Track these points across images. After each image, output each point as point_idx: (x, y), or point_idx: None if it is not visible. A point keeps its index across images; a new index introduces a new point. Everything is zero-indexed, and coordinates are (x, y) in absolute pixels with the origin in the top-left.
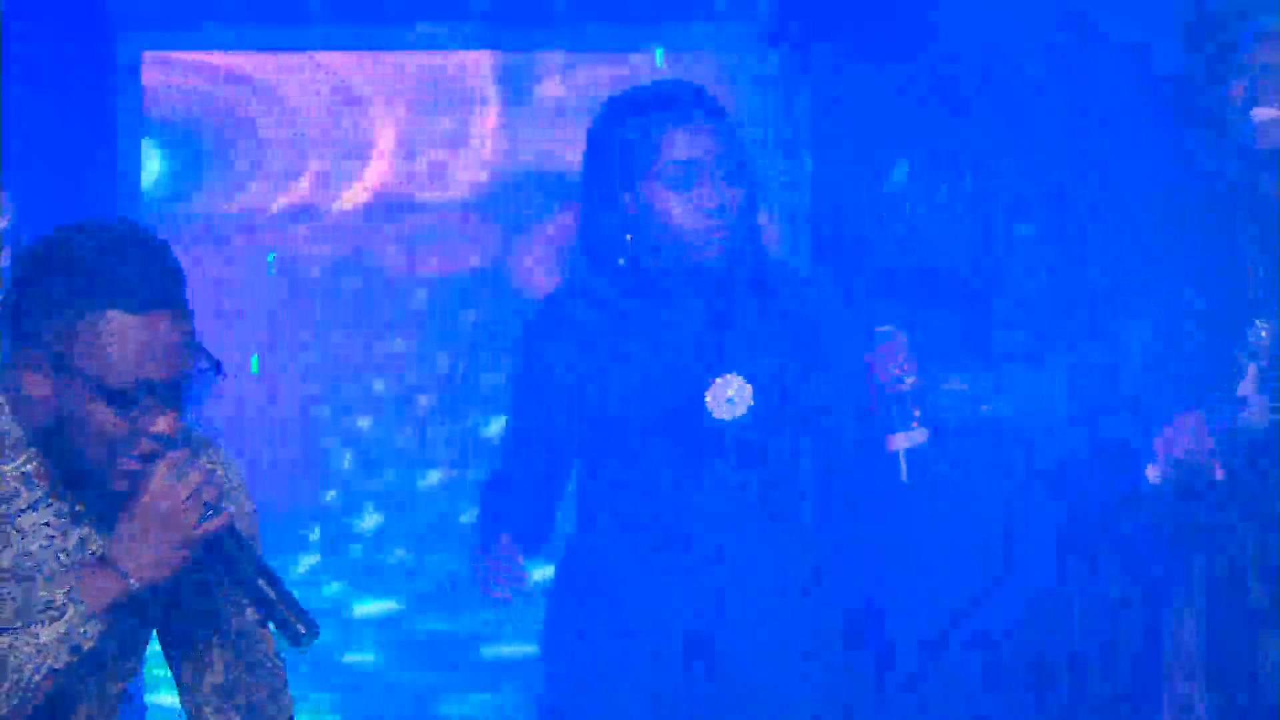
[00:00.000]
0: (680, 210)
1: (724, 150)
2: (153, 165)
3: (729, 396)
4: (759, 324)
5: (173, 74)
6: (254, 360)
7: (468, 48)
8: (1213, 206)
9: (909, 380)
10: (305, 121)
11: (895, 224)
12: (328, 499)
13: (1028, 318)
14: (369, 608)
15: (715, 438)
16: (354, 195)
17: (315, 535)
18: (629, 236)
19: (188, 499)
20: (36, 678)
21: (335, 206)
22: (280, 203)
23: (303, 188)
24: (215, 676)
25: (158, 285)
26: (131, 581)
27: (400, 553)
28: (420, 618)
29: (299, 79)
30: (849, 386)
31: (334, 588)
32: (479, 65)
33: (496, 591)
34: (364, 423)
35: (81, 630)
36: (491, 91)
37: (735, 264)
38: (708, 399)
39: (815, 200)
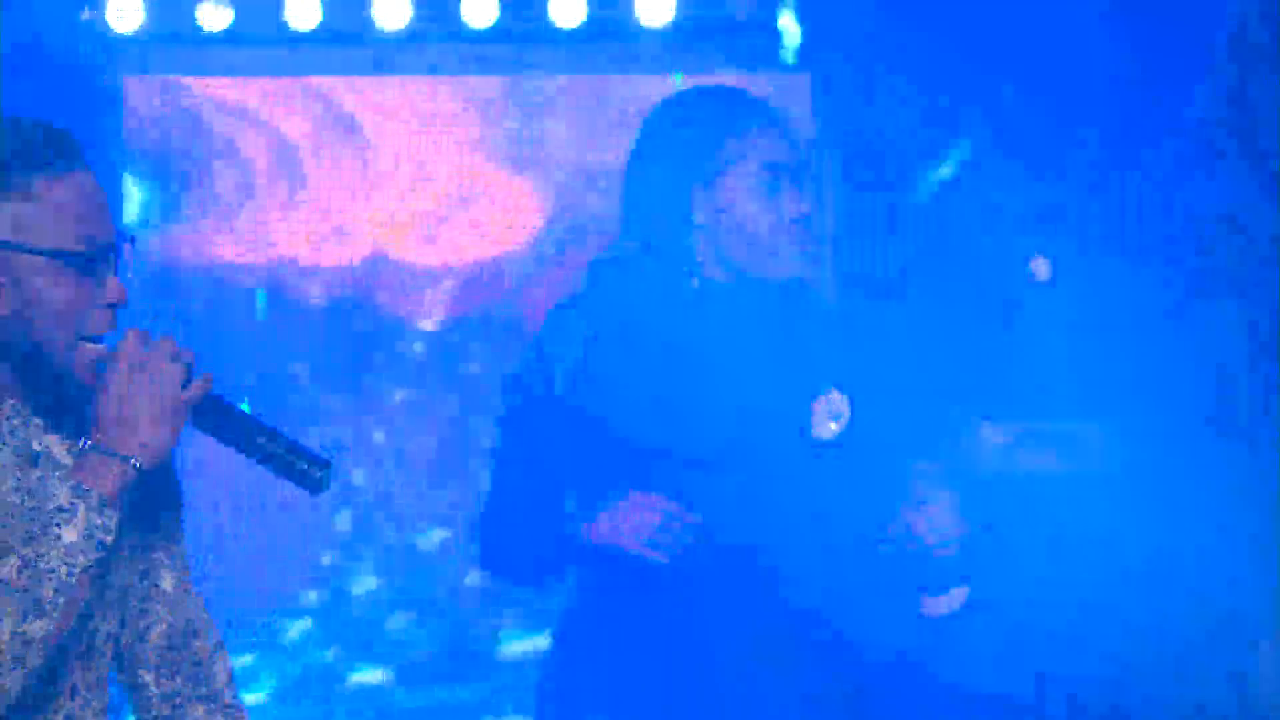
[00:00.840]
0: (764, 216)
1: (801, 160)
2: (134, 198)
3: (830, 414)
4: (822, 346)
5: (156, 100)
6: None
7: (474, 72)
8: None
9: (954, 546)
10: (298, 152)
11: (929, 252)
12: (324, 561)
13: (1074, 365)
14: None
15: (816, 459)
16: (350, 230)
17: (312, 598)
18: (700, 248)
19: (167, 363)
20: (72, 579)
21: (330, 243)
22: (271, 238)
23: (295, 222)
24: (159, 631)
25: (67, 147)
26: (134, 461)
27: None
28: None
29: (291, 106)
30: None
31: (329, 654)
32: (486, 90)
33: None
34: (359, 478)
35: (99, 523)
36: (501, 119)
37: (801, 282)
38: (815, 416)
39: (838, 232)
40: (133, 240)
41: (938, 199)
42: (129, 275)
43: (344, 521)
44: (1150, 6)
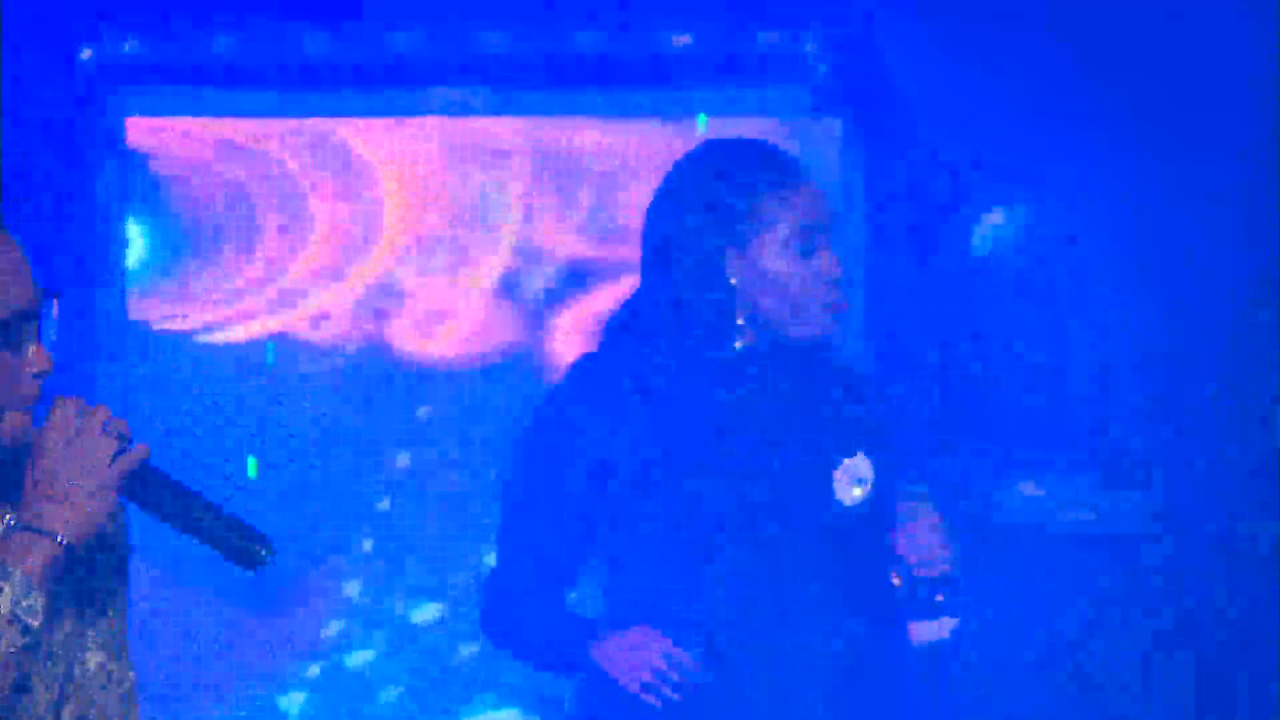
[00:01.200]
0: (801, 278)
1: (836, 219)
2: (138, 242)
3: (853, 479)
4: (849, 413)
5: (160, 142)
6: (251, 463)
7: (491, 114)
8: None
9: (941, 567)
10: (306, 194)
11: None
12: (330, 631)
13: (1114, 419)
14: None
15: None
16: (362, 277)
17: (314, 672)
18: (740, 318)
19: (99, 434)
20: None
21: (341, 290)
22: (279, 286)
23: (304, 269)
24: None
25: None
26: (61, 539)
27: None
28: None
29: (300, 148)
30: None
31: None
32: (503, 133)
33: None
34: (368, 546)
35: (25, 605)
36: (517, 161)
37: (831, 342)
38: (838, 482)
39: (870, 280)
40: (59, 295)
41: (977, 254)
42: (52, 338)
43: (355, 591)
44: (1199, 48)
